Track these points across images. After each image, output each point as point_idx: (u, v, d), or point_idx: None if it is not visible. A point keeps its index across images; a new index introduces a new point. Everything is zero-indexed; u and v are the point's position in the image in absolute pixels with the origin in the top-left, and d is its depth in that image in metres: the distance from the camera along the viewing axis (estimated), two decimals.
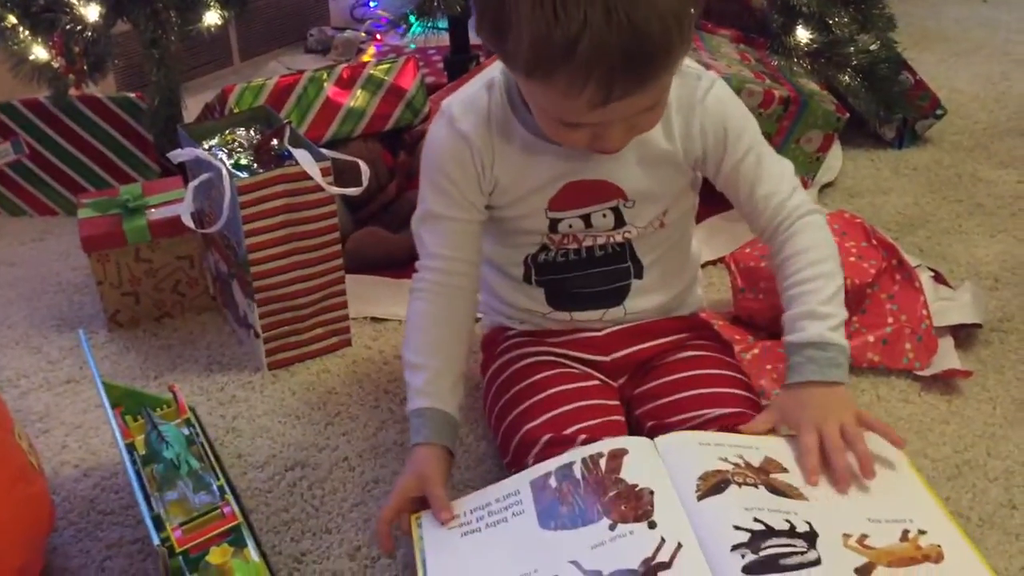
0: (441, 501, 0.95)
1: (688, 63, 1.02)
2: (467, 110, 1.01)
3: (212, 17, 1.56)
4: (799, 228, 1.03)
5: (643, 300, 1.11)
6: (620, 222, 1.04)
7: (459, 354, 1.05)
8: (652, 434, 0.97)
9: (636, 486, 0.90)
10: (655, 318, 1.12)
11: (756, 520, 0.84)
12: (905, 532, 0.87)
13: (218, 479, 0.97)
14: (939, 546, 0.86)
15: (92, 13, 1.50)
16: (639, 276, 1.09)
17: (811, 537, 0.84)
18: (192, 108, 1.79)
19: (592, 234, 1.05)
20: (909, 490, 0.93)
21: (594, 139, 0.91)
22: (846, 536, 0.85)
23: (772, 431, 0.99)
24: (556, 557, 0.86)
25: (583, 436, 0.98)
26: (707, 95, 1.01)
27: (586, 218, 1.04)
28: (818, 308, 0.99)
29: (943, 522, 0.90)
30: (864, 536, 0.85)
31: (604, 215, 1.04)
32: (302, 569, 1.00)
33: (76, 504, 1.10)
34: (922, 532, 0.88)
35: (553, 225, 1.04)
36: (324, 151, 1.27)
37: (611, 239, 1.06)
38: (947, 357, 1.26)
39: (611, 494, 0.89)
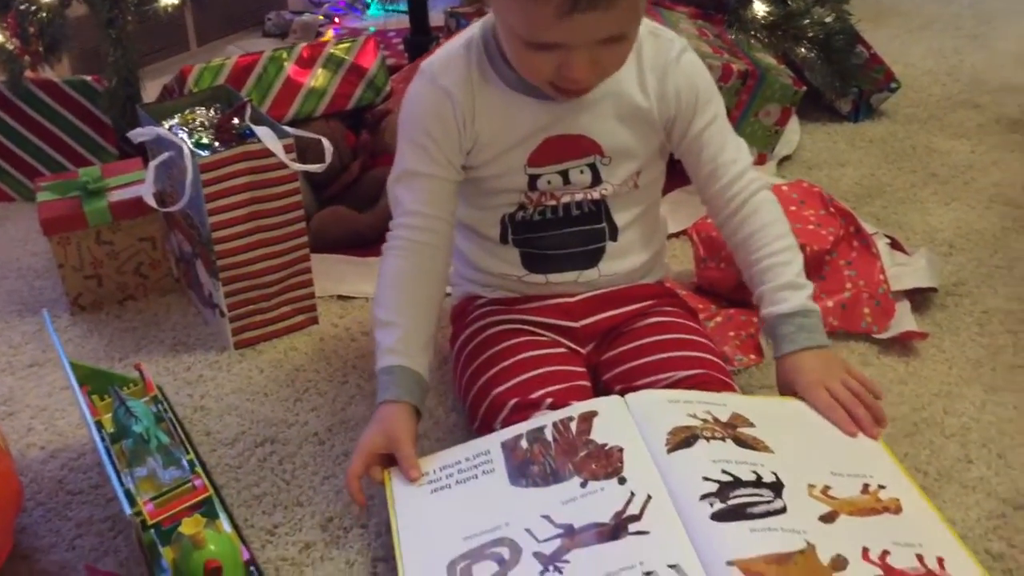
0: (410, 459, 0.96)
1: (661, 28, 1.06)
2: (447, 67, 1.03)
3: None
4: (760, 201, 1.06)
5: (617, 263, 1.12)
6: (597, 179, 1.06)
7: (431, 315, 1.06)
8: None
9: (606, 445, 0.92)
10: (626, 284, 1.14)
11: (724, 472, 0.87)
12: (865, 486, 0.90)
13: (188, 453, 0.97)
14: (898, 499, 0.89)
15: None
16: (614, 238, 1.11)
17: (777, 487, 0.86)
18: (150, 94, 1.77)
19: (570, 191, 1.06)
20: (869, 448, 0.96)
21: (560, 67, 0.93)
22: (810, 487, 0.88)
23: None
24: (527, 512, 0.88)
25: (549, 400, 1.00)
26: (681, 56, 1.05)
27: (564, 174, 1.05)
28: (795, 279, 1.04)
29: (901, 478, 0.93)
30: (827, 487, 0.88)
31: (582, 171, 1.05)
32: (275, 541, 1.00)
33: (44, 485, 1.09)
34: (881, 487, 0.90)
35: (532, 182, 1.05)
36: (287, 128, 1.27)
37: (588, 196, 1.07)
38: (904, 320, 1.29)
39: (582, 454, 0.91)
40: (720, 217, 1.09)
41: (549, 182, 1.06)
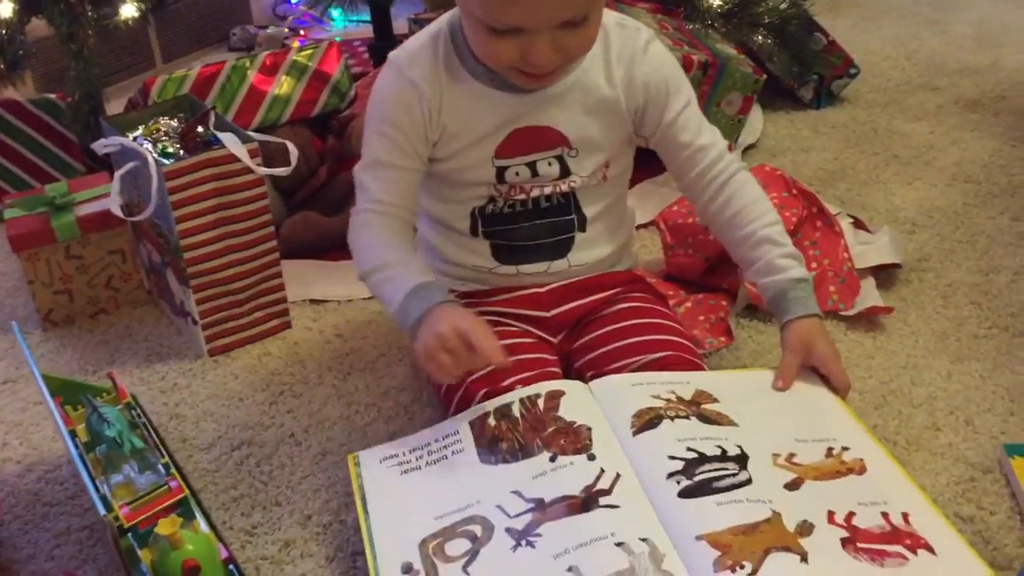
0: (495, 345, 0.94)
1: (626, 19, 1.07)
2: (415, 59, 1.04)
3: (129, 10, 1.55)
4: (743, 180, 1.08)
5: (586, 253, 1.13)
6: (565, 171, 1.07)
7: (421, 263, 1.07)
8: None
9: (574, 423, 0.93)
10: (596, 273, 1.15)
11: (689, 449, 0.88)
12: (829, 449, 0.92)
13: (163, 458, 0.97)
14: (861, 459, 0.91)
15: (5, 10, 1.48)
16: (582, 229, 1.12)
17: (742, 459, 0.88)
18: (116, 110, 1.77)
19: (539, 183, 1.07)
20: (831, 412, 0.98)
21: (522, 53, 0.94)
22: (775, 456, 0.89)
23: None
24: (498, 488, 0.89)
25: (519, 387, 1.01)
26: (648, 46, 1.06)
27: (532, 166, 1.06)
28: (794, 251, 1.06)
29: (863, 438, 0.95)
30: (792, 455, 0.90)
31: (550, 163, 1.06)
32: (254, 541, 1.01)
33: (21, 498, 1.09)
34: (845, 448, 0.92)
35: (500, 174, 1.06)
36: (251, 133, 1.27)
37: (557, 189, 1.08)
38: (869, 297, 1.31)
39: (550, 430, 0.92)
40: (702, 199, 1.09)
41: (517, 174, 1.06)
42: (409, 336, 1.00)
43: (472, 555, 0.83)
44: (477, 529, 0.85)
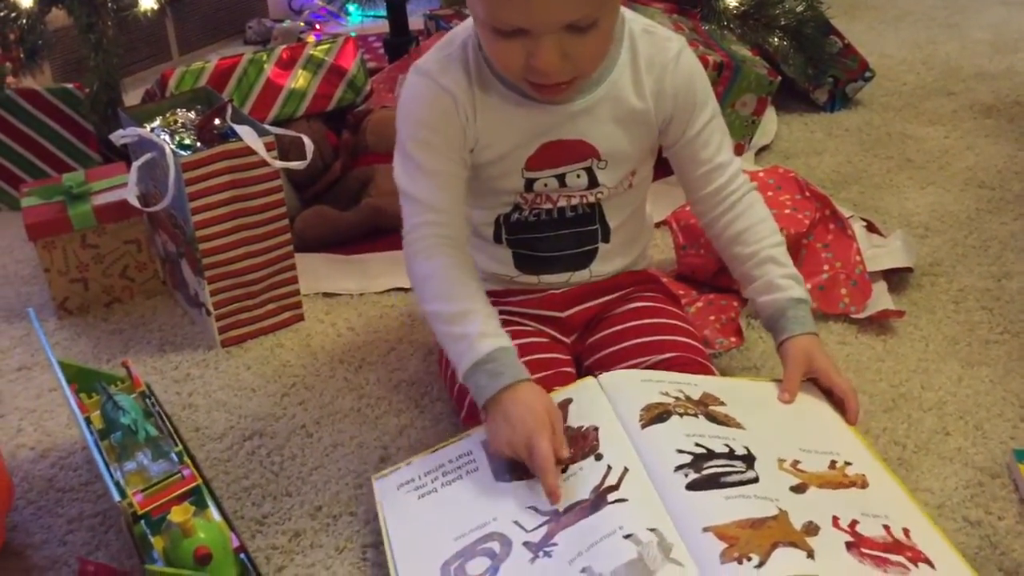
0: (551, 469, 0.89)
1: (654, 26, 1.05)
2: (446, 67, 1.00)
3: (148, 1, 1.56)
4: (754, 199, 1.08)
5: (608, 264, 1.13)
6: (593, 182, 1.05)
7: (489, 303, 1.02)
8: None
9: (581, 427, 0.94)
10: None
11: (697, 445, 0.89)
12: (833, 462, 0.92)
13: (176, 446, 0.98)
14: (864, 475, 0.92)
15: (25, 0, 1.49)
16: (606, 240, 1.11)
17: (749, 459, 0.88)
18: (133, 102, 1.78)
19: (566, 194, 1.06)
20: (834, 428, 0.99)
21: (528, 57, 0.90)
22: (780, 460, 0.90)
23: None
24: (513, 505, 0.89)
25: None
26: (680, 56, 1.03)
27: (561, 178, 1.05)
28: (793, 271, 1.06)
29: (866, 455, 0.95)
30: (797, 462, 0.90)
31: (578, 175, 1.05)
32: (264, 531, 1.02)
33: (35, 484, 1.10)
34: (848, 463, 0.93)
35: (528, 184, 1.05)
36: (268, 127, 1.28)
37: (584, 199, 1.07)
38: (881, 300, 1.31)
39: None
40: (712, 214, 1.08)
41: (546, 185, 1.05)
42: (480, 405, 0.96)
43: (493, 572, 0.84)
44: (496, 546, 0.86)
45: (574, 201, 1.07)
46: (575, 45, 0.90)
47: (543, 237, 1.10)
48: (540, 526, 0.86)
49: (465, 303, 0.98)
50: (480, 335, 0.96)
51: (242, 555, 0.91)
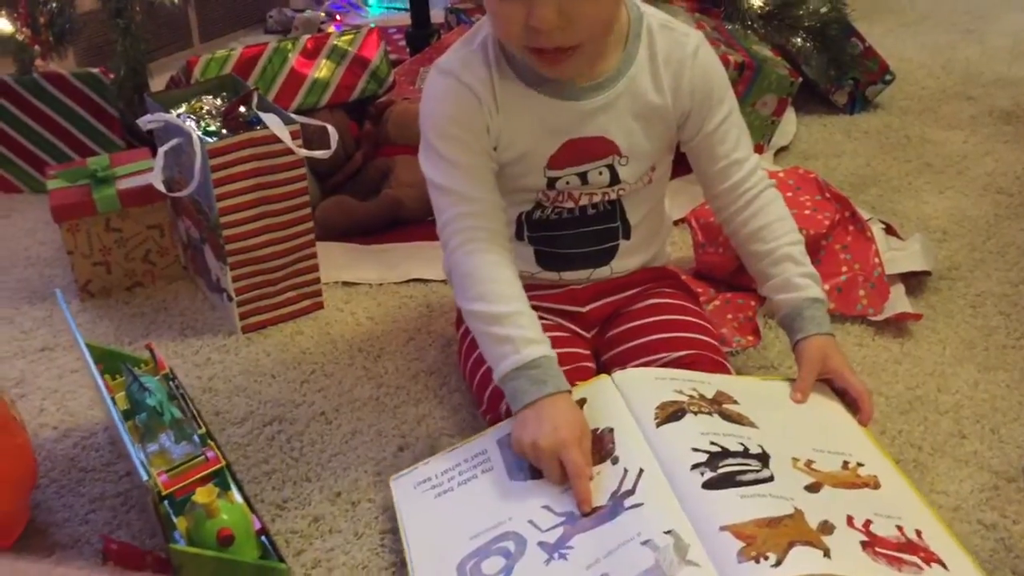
0: (579, 467, 0.89)
1: (672, 21, 1.05)
2: (468, 65, 1.01)
3: None
4: (772, 196, 1.08)
5: (628, 260, 1.14)
6: (615, 179, 1.06)
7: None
8: None
9: (597, 430, 0.94)
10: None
11: (712, 443, 0.89)
12: (845, 463, 0.93)
13: (200, 428, 0.99)
14: (876, 476, 0.92)
15: None
16: (627, 236, 1.12)
17: (764, 458, 0.89)
18: (155, 88, 1.79)
19: (588, 191, 1.06)
20: (846, 429, 0.99)
21: (527, 18, 0.90)
22: (794, 460, 0.90)
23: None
24: (528, 505, 0.90)
25: None
26: (698, 52, 1.03)
27: (583, 176, 1.05)
28: (811, 270, 1.06)
29: (879, 457, 0.96)
30: (811, 461, 0.91)
31: (600, 172, 1.05)
32: (284, 515, 1.03)
33: (57, 463, 1.11)
34: (860, 464, 0.93)
35: (551, 182, 1.05)
36: (293, 115, 1.29)
37: (605, 197, 1.08)
38: (898, 303, 1.31)
39: None
40: (729, 210, 1.09)
41: (568, 183, 1.06)
42: (512, 406, 0.96)
43: (507, 571, 0.85)
44: (510, 545, 0.87)
45: (595, 199, 1.08)
46: (574, 5, 0.90)
47: (565, 235, 1.10)
48: (555, 527, 0.87)
49: (508, 304, 0.98)
50: (525, 340, 0.96)
51: (263, 538, 0.92)
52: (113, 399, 1.03)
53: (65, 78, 1.69)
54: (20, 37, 1.54)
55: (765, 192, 1.08)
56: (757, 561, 0.77)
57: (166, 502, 0.92)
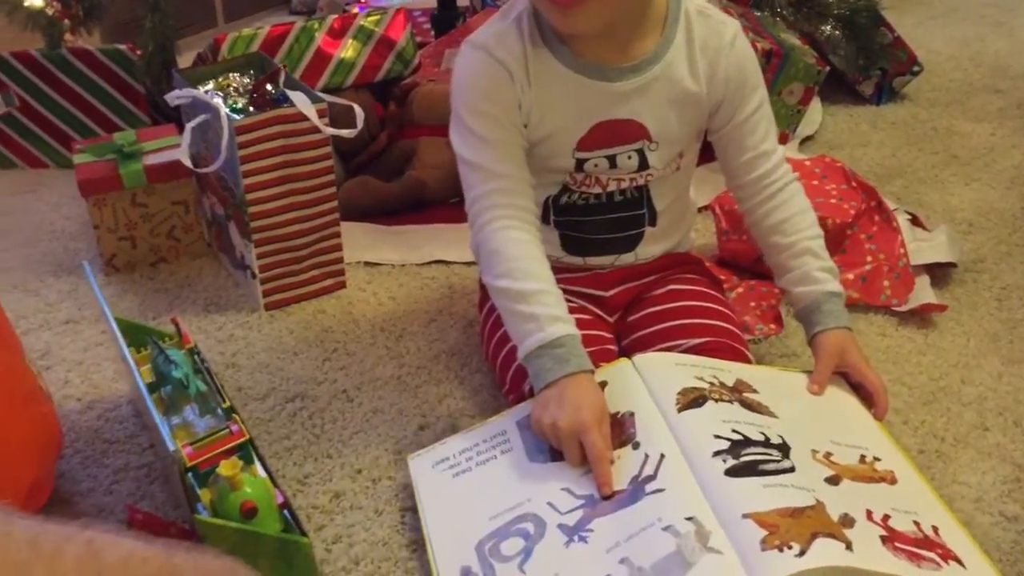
0: (600, 450, 0.89)
1: (709, 7, 1.04)
2: (501, 40, 1.00)
3: None
4: (796, 190, 1.08)
5: (653, 247, 1.14)
6: (644, 164, 1.05)
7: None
8: None
9: (618, 413, 0.94)
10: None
11: (734, 431, 0.89)
12: (863, 456, 0.93)
13: (224, 402, 1.00)
14: (892, 471, 0.92)
15: None
16: (652, 223, 1.11)
17: (784, 448, 0.89)
18: (181, 66, 1.79)
19: (616, 176, 1.06)
20: (863, 423, 0.99)
21: None
22: (814, 451, 0.90)
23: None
24: (548, 487, 0.90)
25: None
26: (735, 40, 1.03)
27: (612, 159, 1.05)
28: (830, 264, 1.06)
29: (894, 452, 0.96)
30: (829, 453, 0.91)
31: (629, 156, 1.05)
32: (305, 490, 1.03)
33: (82, 434, 1.13)
34: (877, 458, 0.93)
35: (579, 164, 1.05)
36: (320, 94, 1.29)
37: (633, 182, 1.07)
38: (923, 294, 1.31)
39: None
40: (752, 201, 1.08)
41: (596, 165, 1.05)
42: (535, 385, 0.96)
43: (526, 553, 0.85)
44: (530, 527, 0.87)
45: (623, 185, 1.08)
46: None
47: (591, 220, 1.10)
48: (575, 509, 0.87)
49: (535, 283, 0.97)
50: (550, 318, 0.95)
51: (286, 512, 0.92)
52: (139, 371, 1.04)
53: (92, 54, 1.70)
54: (50, 11, 1.55)
55: (789, 185, 1.08)
56: (781, 550, 0.77)
57: (190, 474, 0.92)
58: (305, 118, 1.25)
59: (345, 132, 1.28)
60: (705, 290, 1.15)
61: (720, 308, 1.13)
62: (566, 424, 0.90)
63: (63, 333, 1.31)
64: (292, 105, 1.26)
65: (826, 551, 0.78)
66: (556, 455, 0.93)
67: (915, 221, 1.43)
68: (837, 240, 1.32)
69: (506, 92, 1.00)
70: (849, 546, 0.79)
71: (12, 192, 1.73)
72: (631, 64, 1.01)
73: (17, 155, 1.80)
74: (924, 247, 1.36)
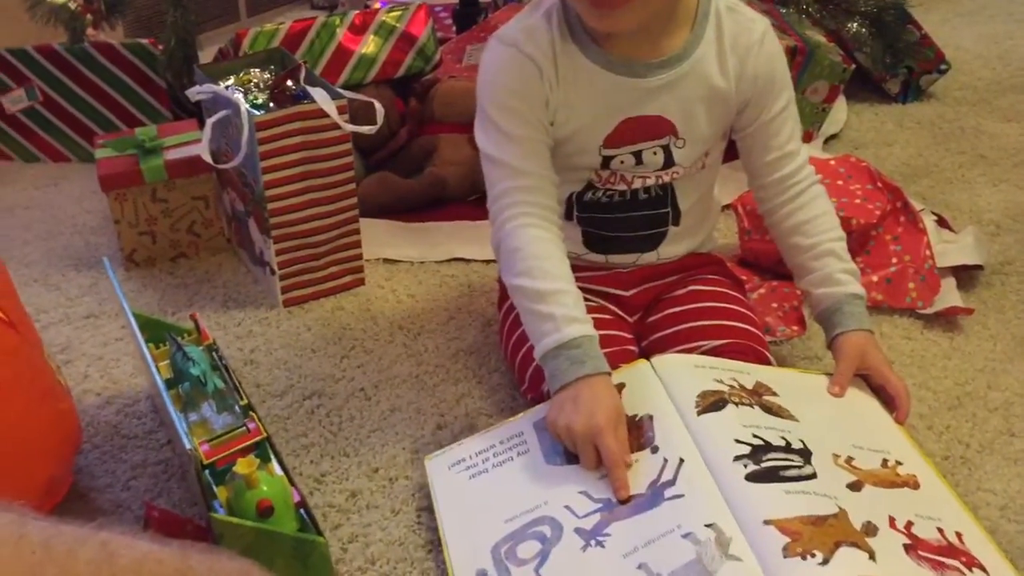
0: (614, 454, 0.88)
1: (739, 4, 1.03)
2: (531, 35, 0.99)
3: None
4: (819, 191, 1.07)
5: (676, 246, 1.12)
6: (669, 161, 1.04)
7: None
8: None
9: (636, 416, 0.93)
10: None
11: (755, 436, 0.88)
12: (885, 460, 0.91)
13: (242, 399, 1.00)
14: (914, 475, 0.90)
15: None
16: (676, 223, 1.10)
17: (806, 454, 0.88)
18: (203, 61, 1.79)
19: (641, 173, 1.05)
20: (885, 427, 0.98)
21: None
22: (835, 456, 0.89)
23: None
24: (565, 490, 0.89)
25: None
26: (764, 38, 1.02)
27: (638, 155, 1.04)
28: (852, 266, 1.05)
29: (916, 457, 0.94)
30: (851, 458, 0.89)
31: (655, 152, 1.04)
32: (322, 489, 1.03)
33: (100, 429, 1.13)
34: (899, 463, 0.92)
35: (606, 161, 1.04)
36: (340, 90, 1.29)
37: (658, 180, 1.06)
38: (949, 296, 1.28)
39: None
40: (774, 201, 1.07)
41: (622, 162, 1.04)
42: (551, 386, 0.95)
43: (543, 557, 0.84)
44: (546, 530, 0.86)
45: (648, 183, 1.06)
46: None
47: (614, 218, 1.09)
48: (592, 513, 0.86)
49: (554, 282, 0.97)
50: (568, 318, 0.94)
51: (302, 510, 0.92)
52: (157, 368, 1.04)
53: (115, 48, 1.70)
54: (72, 5, 1.55)
55: (812, 187, 1.06)
56: (804, 558, 0.76)
57: (207, 472, 0.92)
58: (325, 114, 1.25)
59: (365, 128, 1.28)
60: (726, 291, 1.13)
61: (741, 309, 1.11)
62: (580, 427, 0.90)
63: (83, 328, 1.32)
64: (312, 101, 1.25)
65: (849, 561, 0.77)
66: (573, 458, 0.92)
67: (941, 222, 1.41)
68: (862, 241, 1.30)
69: (535, 88, 0.99)
70: (872, 556, 0.78)
71: (35, 186, 1.74)
72: (660, 60, 1.00)
73: (39, 149, 1.81)
74: (950, 249, 1.34)
